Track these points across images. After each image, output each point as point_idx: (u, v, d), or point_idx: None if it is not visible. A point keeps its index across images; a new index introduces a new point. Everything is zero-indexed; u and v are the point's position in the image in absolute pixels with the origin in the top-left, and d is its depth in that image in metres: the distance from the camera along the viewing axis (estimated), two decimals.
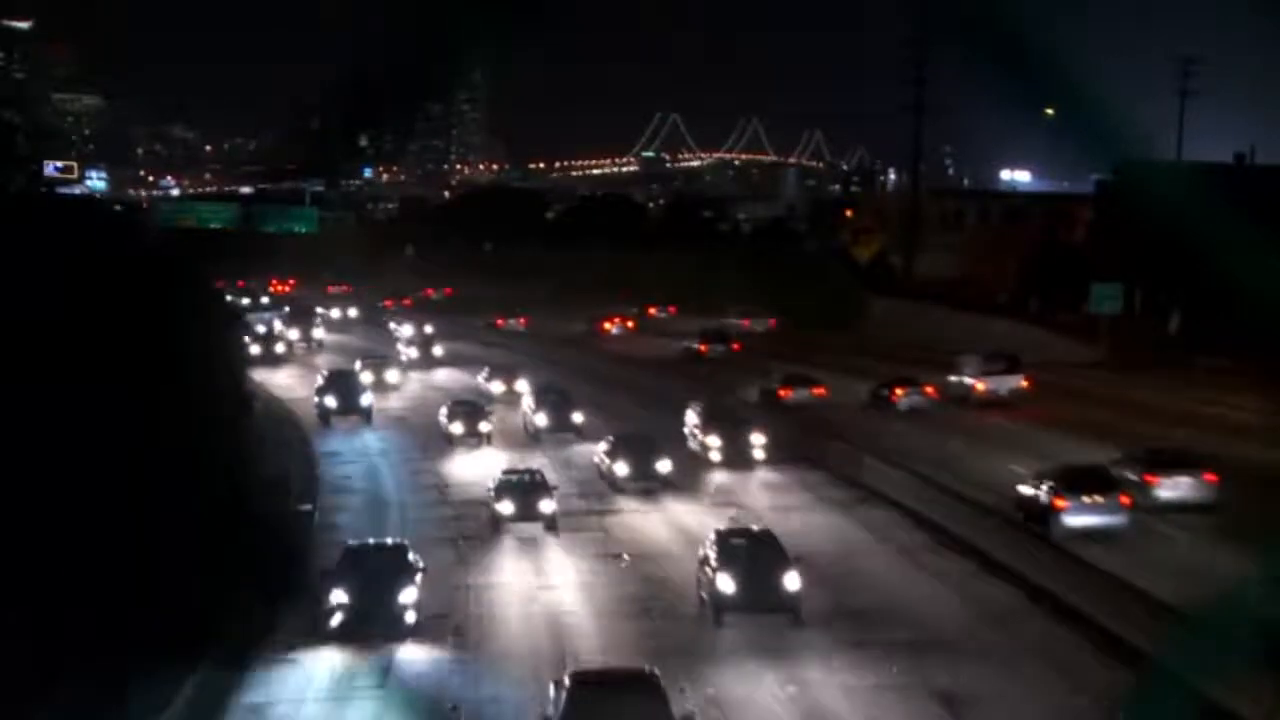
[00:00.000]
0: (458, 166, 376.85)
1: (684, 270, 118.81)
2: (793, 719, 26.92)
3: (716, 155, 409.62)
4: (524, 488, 43.42)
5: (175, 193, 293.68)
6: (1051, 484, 39.17)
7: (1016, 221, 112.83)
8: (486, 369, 72.60)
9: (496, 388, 69.17)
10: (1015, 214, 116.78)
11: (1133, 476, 41.02)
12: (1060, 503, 38.38)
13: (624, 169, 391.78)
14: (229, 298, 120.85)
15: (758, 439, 52.27)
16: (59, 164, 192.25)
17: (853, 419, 59.89)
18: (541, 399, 59.38)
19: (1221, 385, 60.91)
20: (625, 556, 39.72)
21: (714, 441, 52.44)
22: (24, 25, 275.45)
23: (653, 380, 72.44)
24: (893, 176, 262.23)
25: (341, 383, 63.82)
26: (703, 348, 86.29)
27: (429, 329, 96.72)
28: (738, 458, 52.03)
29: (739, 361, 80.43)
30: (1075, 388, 65.01)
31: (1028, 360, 66.22)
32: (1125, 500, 38.95)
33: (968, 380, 65.01)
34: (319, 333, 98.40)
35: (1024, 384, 64.01)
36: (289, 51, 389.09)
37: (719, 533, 34.81)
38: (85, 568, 28.03)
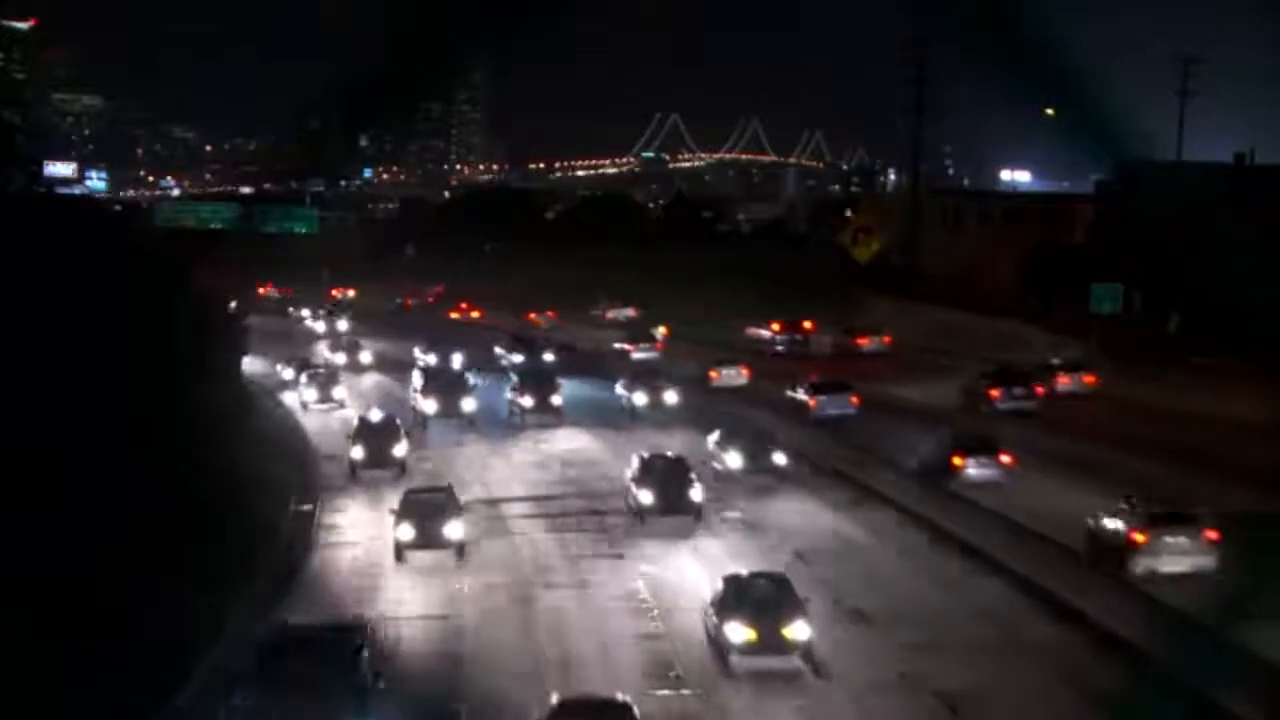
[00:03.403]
0: (458, 166, 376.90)
1: (684, 270, 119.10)
2: None
3: (716, 155, 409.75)
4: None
5: (175, 193, 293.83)
6: (717, 365, 71.88)
7: (1016, 221, 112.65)
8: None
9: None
10: (1015, 214, 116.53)
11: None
12: (713, 375, 69.95)
13: (624, 169, 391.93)
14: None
15: None
16: (60, 165, 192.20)
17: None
18: (647, 470, 43.19)
19: (1209, 384, 62.48)
20: None
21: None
22: (24, 25, 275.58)
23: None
24: (893, 176, 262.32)
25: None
26: (408, 302, 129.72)
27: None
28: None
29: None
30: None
31: (1023, 359, 71.03)
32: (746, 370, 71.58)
33: (599, 312, 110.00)
34: (469, 404, 61.07)
35: (633, 312, 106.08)
36: (289, 51, 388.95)
37: None
38: (81, 568, 28.00)
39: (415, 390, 63.27)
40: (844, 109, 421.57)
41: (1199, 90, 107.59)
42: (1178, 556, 33.72)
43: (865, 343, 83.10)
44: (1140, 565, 33.85)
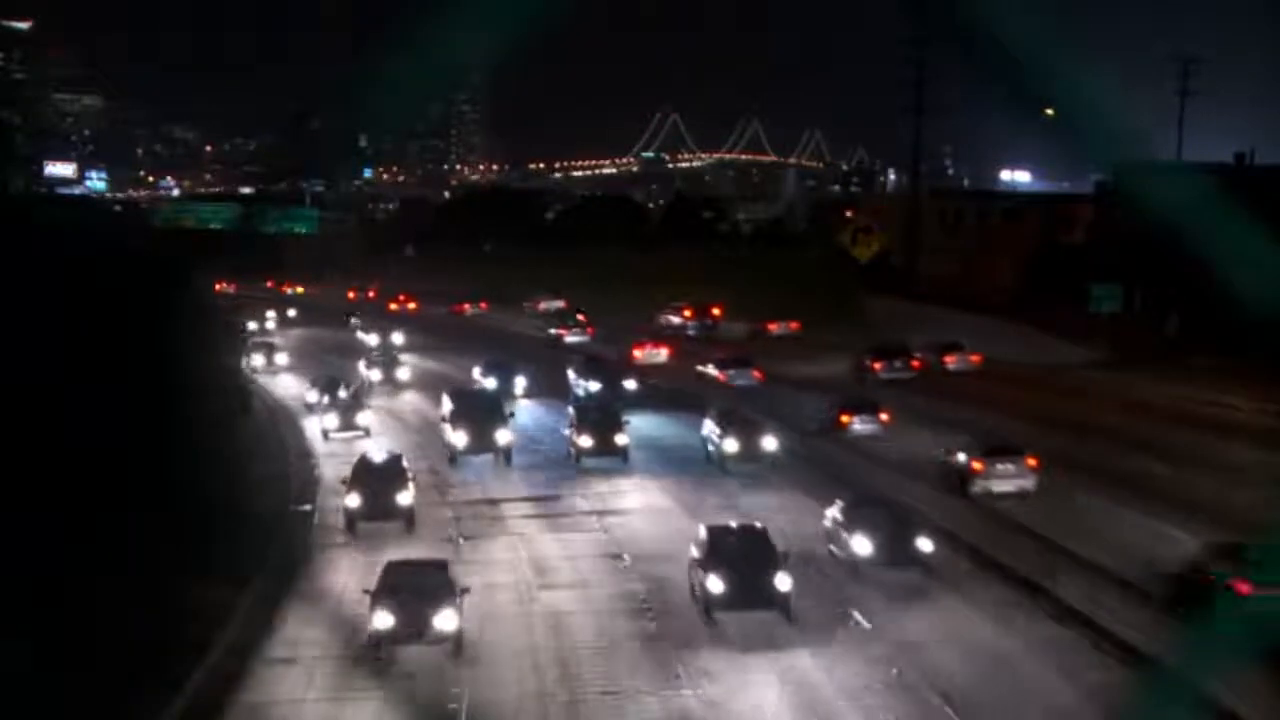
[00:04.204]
0: (458, 166, 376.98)
1: (685, 270, 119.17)
2: None
3: (716, 155, 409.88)
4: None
5: (175, 193, 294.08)
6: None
7: (1016, 222, 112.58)
8: None
9: None
10: (1015, 214, 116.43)
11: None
12: (637, 353, 79.33)
13: (624, 169, 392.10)
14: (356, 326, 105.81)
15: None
16: (60, 165, 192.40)
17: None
18: (716, 545, 33.14)
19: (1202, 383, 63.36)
20: None
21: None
22: (24, 25, 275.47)
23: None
24: (892, 176, 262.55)
25: None
26: (351, 295, 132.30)
27: None
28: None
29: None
30: None
31: (1025, 360, 73.32)
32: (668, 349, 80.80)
33: (527, 304, 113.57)
34: (504, 436, 52.01)
35: (563, 304, 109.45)
36: (289, 51, 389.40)
37: None
38: (81, 568, 28.00)
39: (443, 418, 53.80)
40: (844, 109, 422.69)
41: (1199, 90, 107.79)
42: (1006, 479, 42.32)
43: (775, 328, 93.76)
44: (978, 486, 42.26)
